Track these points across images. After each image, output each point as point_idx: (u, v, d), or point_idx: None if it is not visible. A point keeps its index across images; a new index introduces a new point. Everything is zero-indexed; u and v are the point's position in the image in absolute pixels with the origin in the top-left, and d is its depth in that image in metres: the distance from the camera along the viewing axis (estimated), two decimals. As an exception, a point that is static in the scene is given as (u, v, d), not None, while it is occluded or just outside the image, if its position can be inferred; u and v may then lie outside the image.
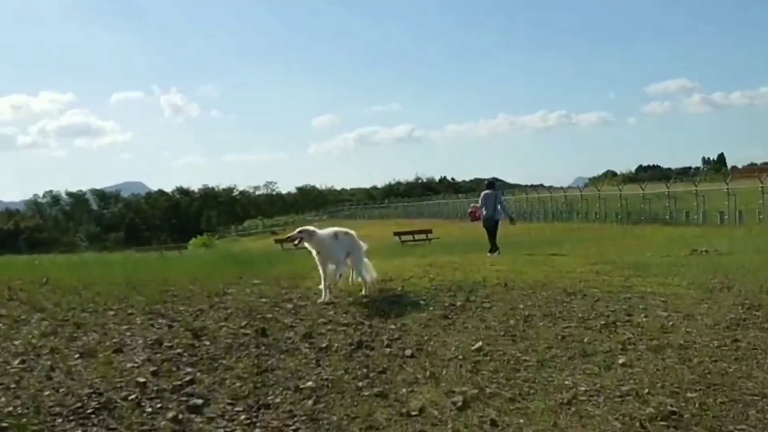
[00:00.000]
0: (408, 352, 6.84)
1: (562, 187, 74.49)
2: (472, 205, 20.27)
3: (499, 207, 18.69)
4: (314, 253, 9.59)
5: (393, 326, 7.90)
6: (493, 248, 18.37)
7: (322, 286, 9.34)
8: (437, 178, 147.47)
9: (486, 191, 18.96)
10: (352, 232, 10.19)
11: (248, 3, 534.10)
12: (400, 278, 10.99)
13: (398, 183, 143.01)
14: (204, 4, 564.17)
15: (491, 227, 18.68)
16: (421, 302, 9.22)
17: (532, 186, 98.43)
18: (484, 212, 18.65)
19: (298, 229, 9.78)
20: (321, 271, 9.45)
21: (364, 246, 10.12)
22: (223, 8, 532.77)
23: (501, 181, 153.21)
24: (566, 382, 5.98)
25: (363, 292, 9.58)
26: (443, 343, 7.22)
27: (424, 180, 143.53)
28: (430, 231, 34.65)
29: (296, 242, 9.68)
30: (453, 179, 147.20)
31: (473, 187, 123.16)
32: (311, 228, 9.82)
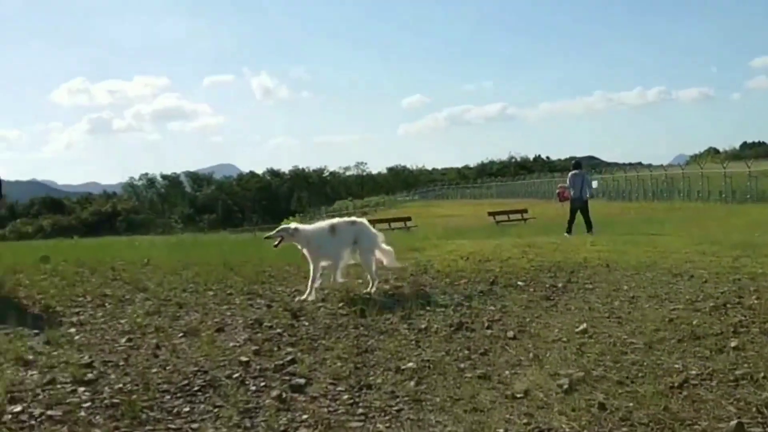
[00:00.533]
0: (510, 333, 6.71)
1: (662, 165, 72.25)
2: (560, 185, 20.67)
3: (587, 187, 19.08)
4: (303, 250, 8.70)
5: (493, 308, 7.79)
6: (588, 227, 18.55)
7: (309, 283, 8.46)
8: (531, 156, 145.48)
9: (573, 171, 19.35)
10: (362, 220, 9.30)
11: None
12: (498, 259, 10.86)
13: (491, 162, 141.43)
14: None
15: (580, 207, 18.93)
16: (521, 283, 9.08)
17: (629, 164, 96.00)
18: (572, 192, 18.96)
19: (277, 229, 8.81)
20: (311, 268, 8.54)
21: (379, 235, 9.17)
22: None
23: (597, 159, 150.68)
24: (676, 366, 5.74)
25: (368, 290, 8.65)
26: (546, 325, 7.06)
27: (518, 159, 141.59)
28: (525, 211, 34.21)
29: (276, 244, 8.63)
30: (548, 158, 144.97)
31: (568, 165, 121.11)
32: (293, 225, 8.84)
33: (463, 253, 11.56)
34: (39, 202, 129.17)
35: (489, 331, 6.80)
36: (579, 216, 18.96)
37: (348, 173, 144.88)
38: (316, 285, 8.43)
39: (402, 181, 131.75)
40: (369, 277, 8.76)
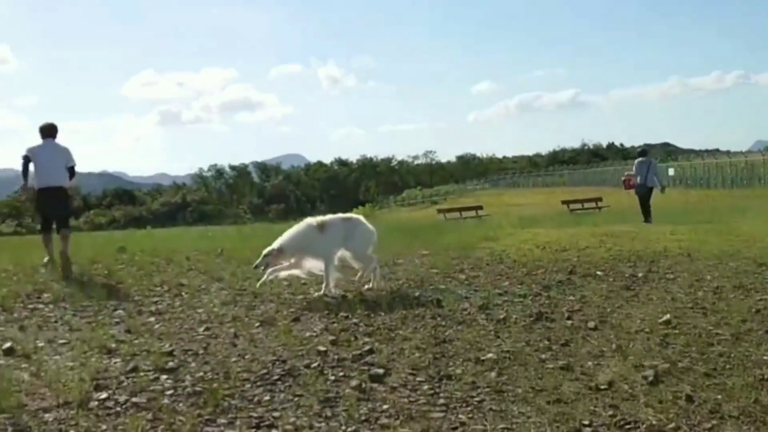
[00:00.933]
0: (591, 324, 6.55)
1: (741, 152, 70.13)
2: (626, 173, 20.32)
3: (652, 175, 18.66)
4: (303, 261, 8.32)
5: (572, 297, 7.63)
6: (646, 216, 18.23)
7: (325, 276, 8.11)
8: (604, 144, 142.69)
9: (639, 159, 19.08)
10: (358, 216, 8.87)
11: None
12: (575, 248, 10.68)
13: (563, 149, 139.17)
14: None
15: (645, 194, 18.62)
16: (600, 273, 8.90)
17: (707, 151, 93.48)
18: (638, 180, 18.62)
19: (262, 255, 8.15)
20: (323, 267, 8.15)
21: (371, 233, 8.64)
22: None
23: (672, 146, 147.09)
24: (765, 357, 5.53)
25: (369, 285, 8.32)
26: (627, 316, 6.88)
27: (591, 146, 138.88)
28: (600, 199, 33.53)
29: (262, 269, 8.15)
30: (621, 145, 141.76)
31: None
32: (276, 245, 8.14)
33: (539, 243, 11.40)
34: (111, 194, 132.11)
35: (569, 322, 6.65)
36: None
37: (417, 162, 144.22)
38: (334, 276, 8.16)
39: (472, 170, 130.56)
40: (369, 275, 8.41)
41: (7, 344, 5.71)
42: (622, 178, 20.82)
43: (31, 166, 10.25)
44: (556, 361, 5.53)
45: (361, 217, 8.80)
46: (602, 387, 4.94)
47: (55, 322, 6.71)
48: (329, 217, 8.58)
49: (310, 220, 8.46)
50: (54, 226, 10.29)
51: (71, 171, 10.39)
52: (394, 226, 19.27)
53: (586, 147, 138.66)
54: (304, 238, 8.23)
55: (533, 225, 16.34)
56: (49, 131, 10.46)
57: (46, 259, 10.01)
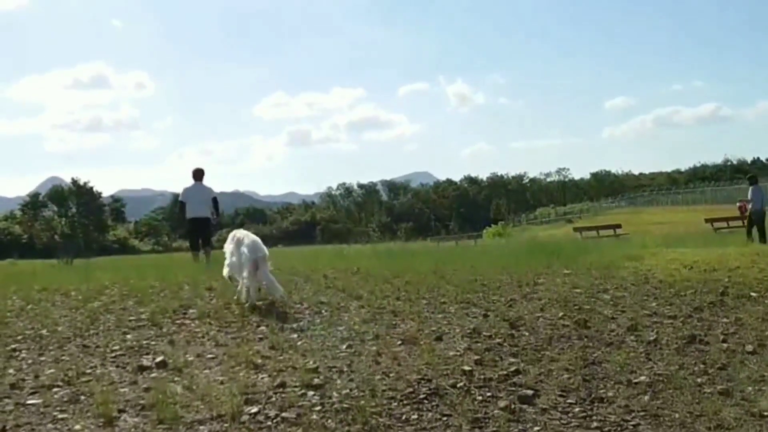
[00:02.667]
0: (748, 347, 6.22)
1: None
2: (740, 200, 21.72)
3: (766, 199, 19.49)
4: None
5: (726, 319, 7.26)
6: (762, 239, 18.67)
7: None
8: (749, 159, 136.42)
9: (752, 187, 19.84)
10: (245, 232, 8.78)
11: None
12: (725, 268, 10.17)
13: (704, 166, 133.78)
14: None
15: (759, 219, 19.28)
16: (754, 294, 8.44)
17: None
18: (752, 205, 19.39)
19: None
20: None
21: (248, 250, 8.17)
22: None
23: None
24: None
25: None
26: (788, 339, 6.47)
27: (734, 162, 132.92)
28: (746, 217, 32.02)
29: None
30: (767, 160, 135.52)
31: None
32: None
33: (686, 262, 10.91)
34: (243, 213, 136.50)
35: (725, 345, 6.34)
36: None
37: (549, 179, 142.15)
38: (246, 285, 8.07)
39: (607, 187, 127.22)
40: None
41: (160, 358, 5.89)
42: (738, 205, 22.04)
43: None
44: (713, 386, 5.27)
45: (248, 235, 8.63)
46: (765, 413, 4.67)
47: (202, 337, 6.88)
48: (240, 231, 8.84)
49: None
50: (200, 243, 13.66)
51: (215, 202, 13.84)
52: (531, 245, 18.92)
53: (729, 163, 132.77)
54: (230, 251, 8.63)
55: (677, 244, 15.70)
56: (197, 175, 13.99)
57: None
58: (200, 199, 13.75)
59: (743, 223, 20.68)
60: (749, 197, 19.69)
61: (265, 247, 8.32)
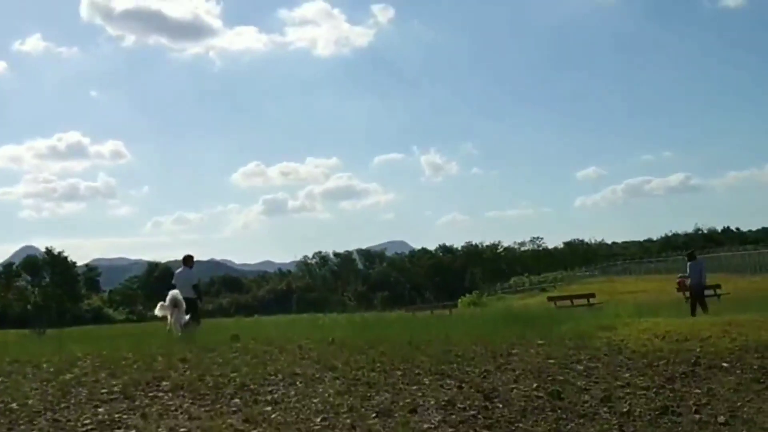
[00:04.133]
0: (720, 419, 6.27)
1: None
2: (680, 276, 22.83)
3: (704, 275, 21.03)
4: None
5: (698, 390, 7.32)
6: (704, 309, 19.41)
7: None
8: (719, 228, 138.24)
9: (690, 262, 21.37)
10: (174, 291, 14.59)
11: (500, 60, 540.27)
12: (697, 338, 10.27)
13: (675, 234, 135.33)
14: (457, 65, 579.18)
15: (698, 293, 20.53)
16: (726, 365, 8.52)
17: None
18: (691, 281, 20.77)
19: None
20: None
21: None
22: (478, 66, 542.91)
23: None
24: None
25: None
26: (759, 410, 6.58)
27: (705, 231, 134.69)
28: (718, 286, 32.20)
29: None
30: (738, 229, 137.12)
31: (762, 237, 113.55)
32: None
33: (658, 332, 11.00)
34: (219, 281, 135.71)
35: (697, 416, 6.39)
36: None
37: (523, 248, 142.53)
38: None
39: (580, 256, 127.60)
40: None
41: (132, 432, 5.83)
42: (677, 281, 23.18)
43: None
44: (687, 458, 5.28)
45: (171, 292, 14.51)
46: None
47: (176, 410, 6.81)
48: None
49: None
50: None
51: (195, 287, 16.47)
52: (505, 314, 18.98)
53: (700, 232, 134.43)
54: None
55: (650, 314, 15.79)
56: (186, 261, 16.85)
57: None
58: (185, 282, 16.12)
59: (685, 298, 21.74)
60: (687, 273, 21.15)
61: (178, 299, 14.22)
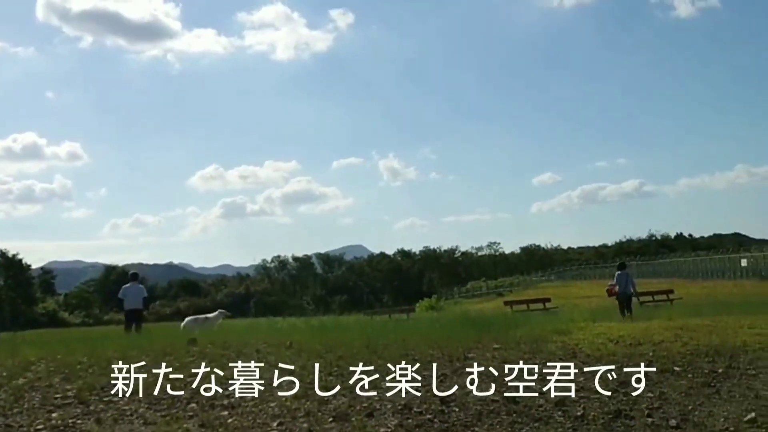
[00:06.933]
0: (672, 422, 6.38)
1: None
2: (609, 284, 23.70)
3: (630, 285, 22.42)
4: None
5: (651, 394, 7.42)
6: (629, 312, 21.16)
7: None
8: (672, 234, 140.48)
9: (618, 272, 22.77)
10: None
11: (458, 67, 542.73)
12: (650, 342, 10.44)
13: (629, 240, 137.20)
14: (416, 71, 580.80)
15: (625, 300, 22.11)
16: (677, 368, 8.65)
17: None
18: (618, 288, 22.21)
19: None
20: None
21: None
22: (436, 72, 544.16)
23: (744, 236, 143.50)
24: None
25: None
26: (710, 414, 6.68)
27: (658, 237, 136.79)
28: (671, 291, 32.83)
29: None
30: (690, 235, 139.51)
31: (713, 243, 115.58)
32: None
33: (612, 336, 11.17)
34: (176, 285, 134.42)
35: (650, 420, 6.49)
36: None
37: (480, 253, 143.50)
38: None
39: (536, 261, 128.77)
40: None
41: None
42: (606, 288, 23.99)
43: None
44: (639, 461, 5.37)
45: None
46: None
47: (131, 415, 6.78)
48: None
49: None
50: (133, 326, 18.64)
51: (144, 300, 19.63)
52: (462, 319, 19.09)
53: (654, 238, 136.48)
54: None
55: (604, 318, 16.03)
56: (133, 277, 20.28)
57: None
58: (134, 296, 19.16)
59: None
60: (615, 282, 22.49)
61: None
